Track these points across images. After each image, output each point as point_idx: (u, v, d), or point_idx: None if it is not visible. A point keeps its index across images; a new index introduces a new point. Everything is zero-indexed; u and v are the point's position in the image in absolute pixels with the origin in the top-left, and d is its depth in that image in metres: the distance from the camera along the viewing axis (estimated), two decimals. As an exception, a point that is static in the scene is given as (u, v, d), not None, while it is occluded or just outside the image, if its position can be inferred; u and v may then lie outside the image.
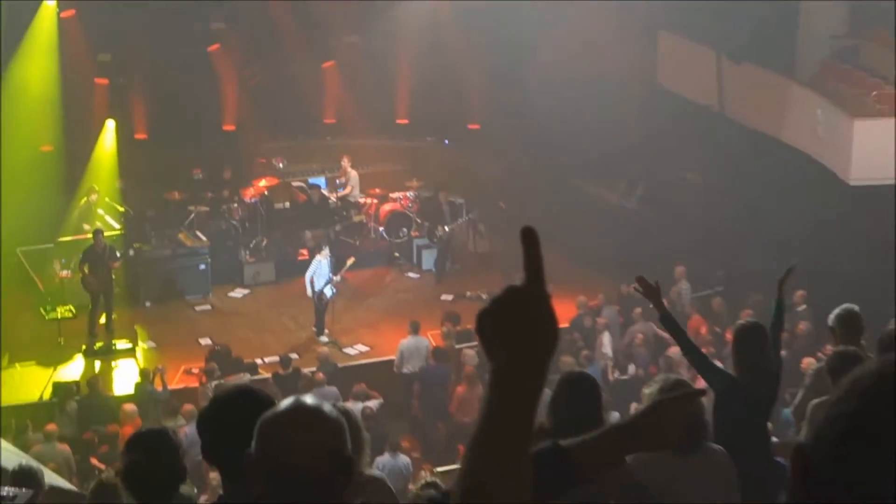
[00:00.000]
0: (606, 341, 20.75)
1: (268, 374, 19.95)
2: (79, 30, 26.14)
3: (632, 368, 20.41)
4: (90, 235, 22.66)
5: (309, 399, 3.35)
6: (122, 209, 24.59)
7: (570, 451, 3.08)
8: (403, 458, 16.69)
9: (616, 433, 3.24)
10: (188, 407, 18.04)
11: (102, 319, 22.29)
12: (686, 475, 6.62)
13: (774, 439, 9.64)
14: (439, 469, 16.14)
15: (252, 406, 4.56)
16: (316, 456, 3.11)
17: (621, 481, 6.22)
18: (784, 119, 23.37)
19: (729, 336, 18.12)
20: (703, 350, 20.05)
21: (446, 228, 25.45)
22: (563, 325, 21.33)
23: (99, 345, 21.81)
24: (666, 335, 20.76)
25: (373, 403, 18.08)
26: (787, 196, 22.21)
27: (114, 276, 22.38)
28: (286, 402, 3.31)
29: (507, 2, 26.30)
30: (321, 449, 3.13)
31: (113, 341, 21.92)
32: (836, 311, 9.74)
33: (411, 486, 14.31)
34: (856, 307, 9.72)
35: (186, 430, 17.11)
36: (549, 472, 3.04)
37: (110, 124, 25.95)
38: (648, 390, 7.11)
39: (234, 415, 4.58)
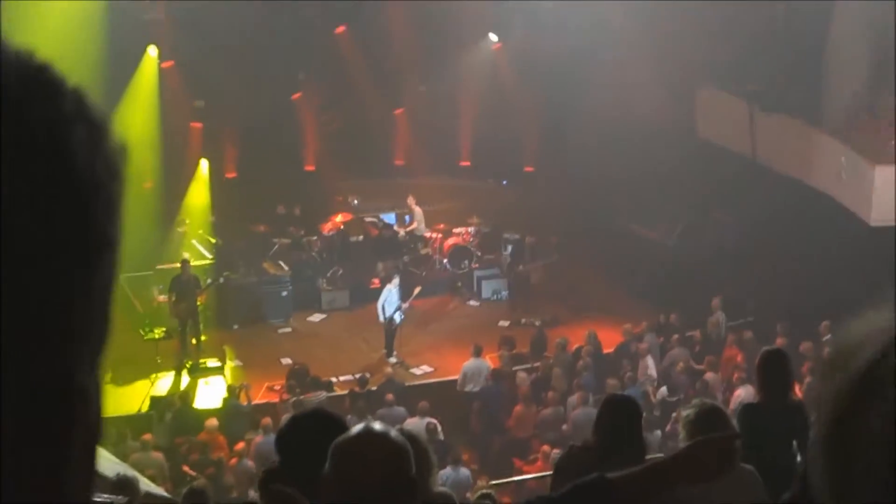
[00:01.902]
0: (650, 364, 20.64)
1: (343, 392, 20.01)
2: (177, 78, 26.40)
3: (664, 390, 20.23)
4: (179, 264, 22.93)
5: (377, 425, 3.41)
6: (213, 240, 24.79)
7: (615, 484, 3.14)
8: (464, 471, 16.65)
9: (659, 469, 3.29)
10: (266, 420, 18.11)
11: (194, 340, 22.42)
12: (718, 495, 6.61)
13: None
14: (494, 482, 16.13)
15: (325, 427, 4.64)
16: (383, 477, 3.16)
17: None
18: (811, 165, 23.24)
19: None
20: (735, 376, 20.11)
21: (521, 267, 25.56)
22: (609, 350, 21.33)
23: (191, 363, 21.93)
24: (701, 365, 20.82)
25: (435, 421, 18.02)
26: (813, 235, 22.09)
27: (199, 303, 22.54)
28: (357, 428, 3.38)
29: (561, 59, 26.36)
30: (387, 471, 3.17)
31: (203, 360, 22.03)
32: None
33: (468, 495, 14.31)
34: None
35: (260, 441, 17.28)
36: (595, 502, 3.10)
37: (204, 164, 26.21)
38: (685, 412, 7.08)
39: (309, 435, 4.64)
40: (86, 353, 0.82)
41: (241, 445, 17.75)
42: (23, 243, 0.75)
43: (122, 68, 25.07)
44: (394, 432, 3.34)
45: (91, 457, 0.84)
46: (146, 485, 12.62)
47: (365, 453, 3.22)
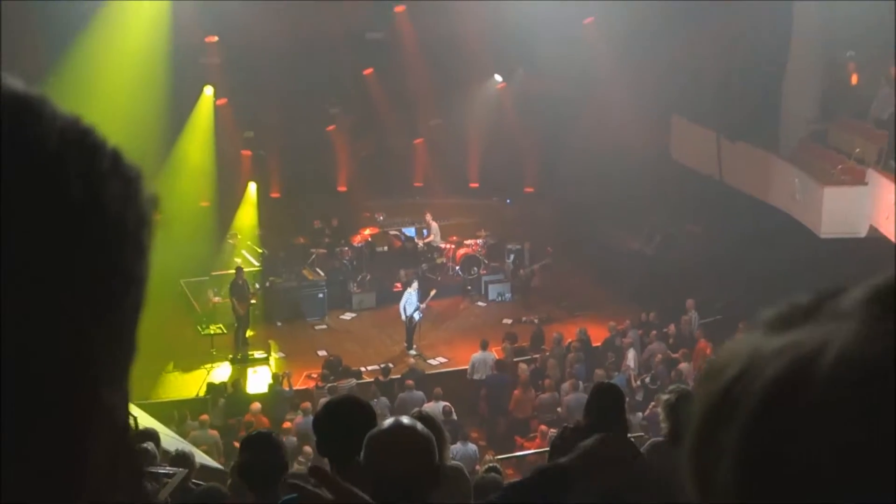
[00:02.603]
0: (631, 356, 20.61)
1: (370, 379, 19.99)
2: (229, 113, 26.43)
3: (647, 379, 20.20)
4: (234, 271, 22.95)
5: (406, 419, 3.48)
6: (260, 251, 24.80)
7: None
8: (472, 446, 16.63)
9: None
10: (306, 404, 18.11)
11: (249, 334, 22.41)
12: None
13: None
14: (499, 457, 16.06)
15: (355, 413, 4.62)
16: (411, 466, 3.21)
17: (637, 477, 6.12)
18: (769, 185, 23.20)
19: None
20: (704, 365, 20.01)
21: (528, 268, 25.67)
22: (597, 344, 21.29)
23: (241, 355, 21.91)
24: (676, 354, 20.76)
25: (449, 404, 17.99)
26: (772, 245, 22.07)
27: (252, 302, 22.59)
28: (389, 422, 3.43)
29: (556, 97, 26.45)
30: (416, 460, 3.24)
31: (252, 352, 22.03)
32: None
33: (477, 467, 14.24)
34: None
35: (300, 421, 17.24)
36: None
37: (252, 186, 26.25)
38: (665, 397, 7.01)
39: (341, 419, 4.60)
40: (113, 371, 0.81)
41: (286, 425, 17.76)
42: (58, 281, 0.75)
43: (183, 105, 25.21)
44: (420, 425, 3.38)
45: (118, 462, 0.83)
46: (202, 458, 12.59)
47: (396, 446, 3.27)
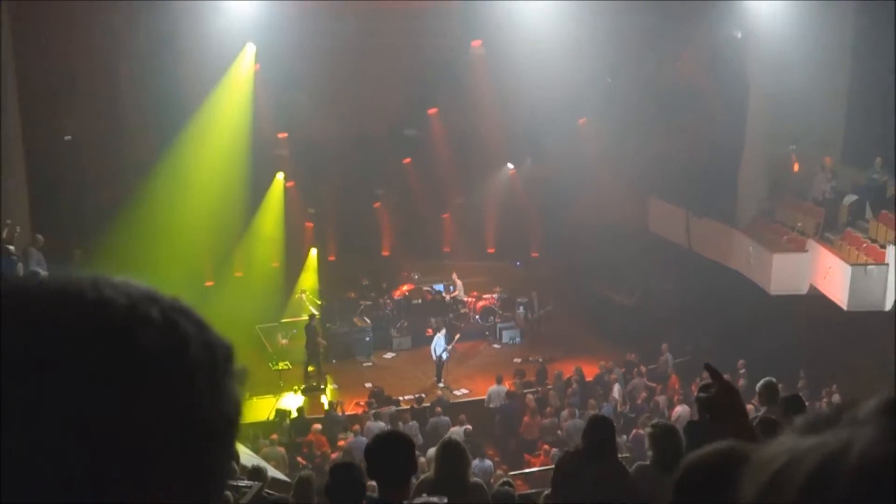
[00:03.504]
0: (616, 390, 20.49)
1: (407, 407, 19.89)
2: (296, 193, 26.55)
3: (627, 408, 20.09)
4: (303, 318, 22.97)
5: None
6: (319, 302, 24.78)
7: None
8: (488, 462, 16.48)
9: None
10: (356, 427, 18.12)
11: (309, 369, 22.33)
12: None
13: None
14: (511, 472, 15.92)
15: (398, 445, 4.57)
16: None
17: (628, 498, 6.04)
18: (729, 252, 23.16)
19: (694, 389, 17.78)
20: (675, 398, 19.85)
21: (537, 313, 25.64)
22: (590, 379, 21.15)
23: (304, 386, 21.85)
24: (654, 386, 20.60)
25: (470, 427, 17.87)
26: (731, 300, 22.03)
27: (323, 343, 22.64)
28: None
29: (558, 180, 26.58)
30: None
31: (313, 383, 21.97)
32: (762, 381, 9.47)
33: (491, 480, 14.08)
34: (773, 379, 9.42)
35: (352, 440, 17.16)
36: None
37: (314, 251, 26.30)
38: (648, 429, 6.93)
39: (387, 449, 4.57)
40: (210, 492, 0.82)
41: (341, 443, 17.69)
42: (169, 443, 0.77)
43: (260, 186, 25.43)
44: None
45: None
46: (272, 471, 12.50)
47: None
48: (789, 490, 0.74)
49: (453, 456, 5.89)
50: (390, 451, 4.53)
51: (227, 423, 0.82)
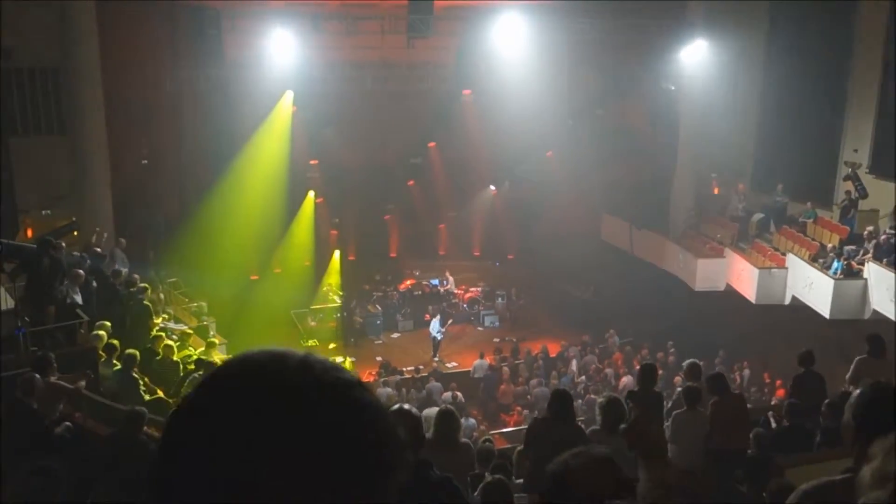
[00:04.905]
0: (574, 364, 20.44)
1: (409, 376, 19.84)
2: (324, 207, 26.46)
3: (584, 379, 20.00)
4: (329, 305, 22.88)
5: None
6: (341, 293, 24.68)
7: None
8: (472, 421, 16.49)
9: None
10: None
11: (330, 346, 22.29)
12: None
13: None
14: (492, 432, 15.86)
15: (404, 420, 4.36)
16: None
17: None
18: (663, 257, 23.15)
19: (636, 363, 17.78)
20: (621, 370, 19.77)
21: (513, 303, 25.62)
22: (553, 355, 21.09)
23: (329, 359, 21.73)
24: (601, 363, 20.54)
25: (459, 394, 17.86)
26: (664, 294, 22.01)
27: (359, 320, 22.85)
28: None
29: (531, 199, 26.53)
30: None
31: (336, 358, 21.84)
32: (686, 362, 9.45)
33: (475, 434, 14.03)
34: (697, 360, 9.39)
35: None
36: None
37: (337, 253, 26.17)
38: (600, 400, 6.89)
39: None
40: None
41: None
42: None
43: (294, 202, 25.29)
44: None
45: None
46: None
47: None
48: None
49: (448, 422, 5.88)
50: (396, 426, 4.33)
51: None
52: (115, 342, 10.77)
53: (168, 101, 22.57)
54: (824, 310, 17.26)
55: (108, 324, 11.38)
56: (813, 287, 17.89)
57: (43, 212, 19.17)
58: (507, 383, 19.47)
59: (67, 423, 6.47)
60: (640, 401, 7.95)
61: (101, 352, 10.55)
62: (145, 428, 6.88)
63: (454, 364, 21.86)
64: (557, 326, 24.02)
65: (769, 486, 5.00)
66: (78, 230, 16.57)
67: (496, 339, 23.53)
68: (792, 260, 18.94)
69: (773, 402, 14.64)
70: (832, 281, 17.21)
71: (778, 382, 18.26)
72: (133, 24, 20.51)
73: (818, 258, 18.32)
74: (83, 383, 8.19)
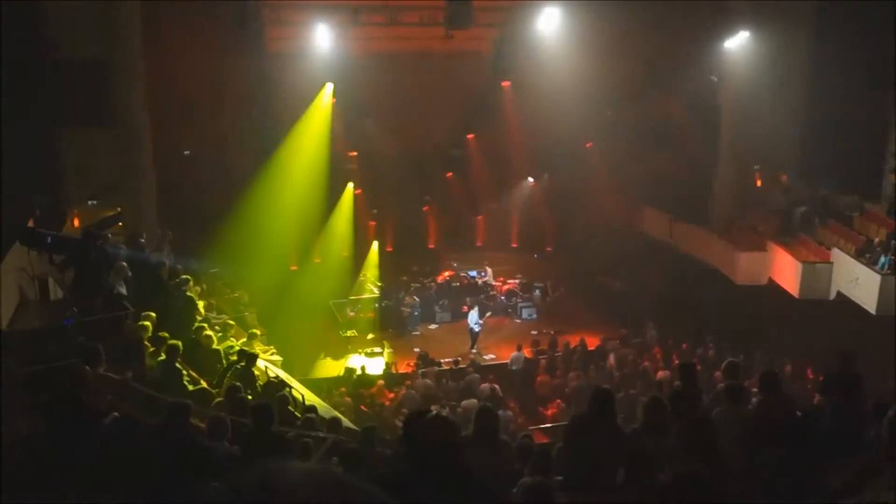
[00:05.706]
0: (612, 357, 20.27)
1: (447, 367, 19.86)
2: (362, 198, 26.62)
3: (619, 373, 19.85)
4: (367, 296, 22.95)
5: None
6: (379, 284, 24.82)
7: None
8: (509, 413, 16.42)
9: None
10: (408, 382, 18.00)
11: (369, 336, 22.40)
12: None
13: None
14: (531, 427, 15.80)
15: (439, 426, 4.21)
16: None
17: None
18: (706, 250, 22.87)
19: (675, 359, 17.59)
20: (659, 365, 19.56)
21: (550, 295, 25.46)
22: (591, 349, 20.97)
23: (368, 350, 21.93)
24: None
25: (497, 386, 17.83)
26: (706, 288, 21.77)
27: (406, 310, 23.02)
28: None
29: (570, 192, 26.31)
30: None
31: (374, 349, 22.03)
32: (725, 362, 9.29)
33: (511, 425, 13.98)
34: (736, 360, 9.23)
35: (405, 393, 17.12)
36: None
37: (375, 244, 26.33)
38: (644, 399, 6.81)
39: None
40: None
41: (391, 395, 17.68)
42: None
43: (335, 193, 25.37)
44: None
45: None
46: (345, 422, 12.44)
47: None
48: None
49: (487, 419, 5.88)
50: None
51: None
52: (165, 334, 10.92)
53: (210, 94, 22.83)
54: (870, 306, 16.90)
55: (154, 314, 11.56)
56: (858, 282, 17.52)
57: (89, 202, 19.51)
58: (544, 376, 19.37)
59: (115, 414, 6.60)
60: (686, 402, 7.88)
61: (146, 342, 10.72)
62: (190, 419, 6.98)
63: (492, 356, 21.83)
64: (596, 319, 23.88)
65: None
66: (123, 221, 16.83)
67: (534, 332, 23.45)
68: (837, 254, 18.56)
69: (815, 401, 14.37)
70: (879, 276, 16.83)
71: (821, 379, 17.92)
72: (177, 18, 20.79)
73: (864, 253, 17.92)
74: (130, 374, 8.34)
